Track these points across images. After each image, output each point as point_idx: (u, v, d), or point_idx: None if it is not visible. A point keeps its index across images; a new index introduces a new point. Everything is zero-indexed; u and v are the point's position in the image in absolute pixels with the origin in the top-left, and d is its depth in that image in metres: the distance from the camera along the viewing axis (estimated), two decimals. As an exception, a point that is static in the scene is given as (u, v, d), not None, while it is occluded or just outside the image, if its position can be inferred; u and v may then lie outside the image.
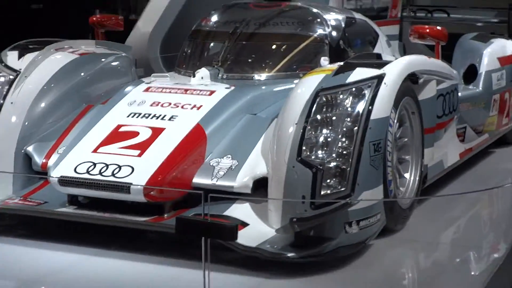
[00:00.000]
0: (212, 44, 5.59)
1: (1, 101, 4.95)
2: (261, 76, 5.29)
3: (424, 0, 13.34)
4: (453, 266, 4.73)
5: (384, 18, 7.07)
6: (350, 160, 4.31)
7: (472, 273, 4.59)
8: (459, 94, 5.91)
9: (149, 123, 4.73)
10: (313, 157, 4.32)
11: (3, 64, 5.15)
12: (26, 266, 4.30)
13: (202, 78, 5.21)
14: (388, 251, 4.57)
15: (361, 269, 4.30)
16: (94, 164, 4.49)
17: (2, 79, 5.06)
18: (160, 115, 4.77)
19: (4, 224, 4.81)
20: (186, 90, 5.01)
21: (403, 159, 5.01)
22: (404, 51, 7.21)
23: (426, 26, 6.16)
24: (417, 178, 5.10)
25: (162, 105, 4.86)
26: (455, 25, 8.08)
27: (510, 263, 4.51)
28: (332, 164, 4.30)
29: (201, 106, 4.83)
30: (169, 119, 4.74)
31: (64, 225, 4.66)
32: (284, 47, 5.47)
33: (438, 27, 6.13)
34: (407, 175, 5.05)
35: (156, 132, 4.65)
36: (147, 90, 5.06)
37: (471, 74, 6.77)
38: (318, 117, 4.40)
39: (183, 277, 4.10)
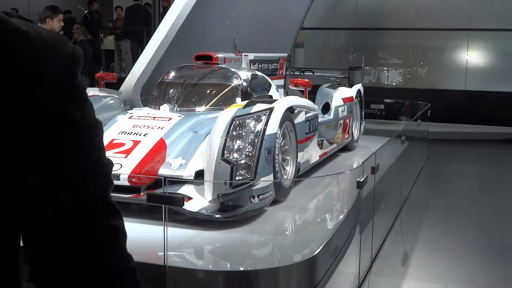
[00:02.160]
0: (171, 90, 5.55)
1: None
2: (200, 109, 5.27)
3: (299, 63, 13.52)
4: (316, 222, 4.79)
5: (275, 75, 7.10)
6: (253, 159, 4.34)
7: (328, 227, 4.63)
8: (319, 120, 5.97)
9: (131, 137, 4.68)
10: (231, 157, 4.33)
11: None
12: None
13: (164, 110, 5.18)
14: (277, 213, 4.58)
15: (261, 224, 4.32)
16: None
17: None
18: (138, 133, 4.73)
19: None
20: (154, 117, 4.98)
21: (285, 158, 5.03)
22: (286, 95, 7.26)
23: (299, 79, 6.22)
24: (294, 170, 5.14)
25: (139, 127, 4.82)
26: (317, 79, 8.13)
27: (348, 221, 4.58)
28: (242, 161, 4.33)
29: (163, 127, 4.79)
30: (144, 135, 4.70)
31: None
32: (214, 91, 5.46)
33: (306, 79, 6.20)
34: (288, 168, 5.08)
35: (136, 143, 4.61)
36: (130, 117, 5.01)
37: (326, 108, 6.84)
38: (234, 133, 4.42)
39: (150, 231, 4.05)
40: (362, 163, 4.07)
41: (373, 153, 4.33)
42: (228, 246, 3.94)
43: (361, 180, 3.87)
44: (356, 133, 7.51)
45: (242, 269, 3.64)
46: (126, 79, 7.90)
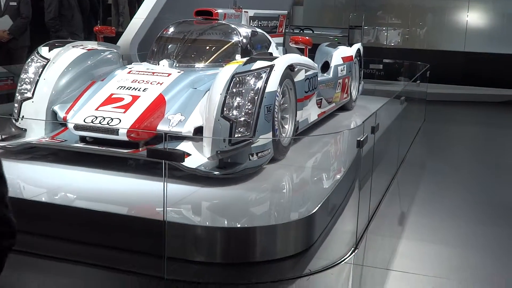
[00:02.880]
0: (170, 45, 5.49)
1: (38, 78, 4.84)
2: (199, 65, 5.22)
3: (298, 21, 13.39)
4: (313, 181, 4.80)
5: (274, 32, 7.04)
6: (253, 116, 4.33)
7: (324, 186, 4.65)
8: (318, 78, 5.94)
9: (130, 92, 4.65)
10: (230, 114, 4.32)
11: (39, 54, 5.02)
12: (52, 179, 4.24)
13: (163, 66, 5.14)
14: (275, 171, 4.59)
15: (259, 182, 4.32)
16: (96, 117, 4.42)
17: (39, 63, 4.93)
18: (137, 88, 4.70)
19: (39, 154, 4.72)
20: (153, 73, 4.94)
21: (284, 116, 5.02)
22: (285, 53, 7.20)
23: (300, 37, 6.16)
24: (293, 128, 5.14)
25: (138, 82, 4.79)
26: (316, 37, 8.04)
27: (346, 180, 4.59)
28: (242, 119, 4.31)
29: (163, 82, 4.76)
30: (143, 90, 4.67)
31: (77, 154, 4.58)
32: (214, 48, 5.41)
33: (306, 37, 6.14)
34: (286, 126, 5.08)
35: (135, 98, 4.58)
36: (129, 72, 4.97)
37: (325, 67, 6.80)
38: (234, 90, 4.39)
39: (149, 187, 4.07)
40: (363, 122, 4.05)
41: (373, 112, 4.31)
42: (226, 203, 3.95)
43: (361, 139, 3.86)
44: (354, 93, 7.48)
45: (239, 225, 3.65)
46: (124, 33, 7.84)
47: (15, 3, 7.89)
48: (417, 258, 3.87)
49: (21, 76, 4.91)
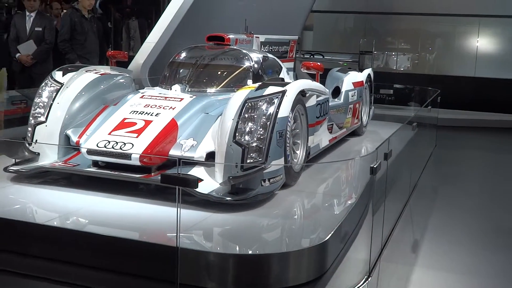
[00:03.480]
0: (182, 70, 5.50)
1: (51, 102, 4.86)
2: (211, 90, 5.23)
3: (308, 46, 13.45)
4: (324, 207, 4.77)
5: (285, 57, 7.05)
6: (265, 142, 4.31)
7: (336, 212, 4.61)
8: (329, 104, 5.93)
9: (143, 117, 4.65)
10: (242, 140, 4.30)
11: (53, 78, 5.05)
12: (64, 204, 4.22)
13: (176, 90, 5.14)
14: (286, 197, 4.55)
15: (271, 208, 4.29)
16: (109, 142, 4.42)
17: (52, 88, 4.95)
18: (150, 112, 4.70)
19: (52, 178, 4.71)
20: (166, 97, 4.94)
21: (296, 142, 5.00)
22: (296, 78, 7.21)
23: (311, 62, 6.16)
24: (304, 154, 5.11)
25: (151, 106, 4.79)
26: (327, 62, 8.06)
27: (358, 207, 4.56)
28: (254, 144, 4.29)
29: (175, 107, 4.76)
30: (155, 115, 4.67)
31: (89, 179, 4.57)
32: (225, 73, 5.41)
33: (318, 63, 6.14)
34: (298, 152, 5.05)
35: (147, 123, 4.58)
36: (142, 97, 4.98)
37: (336, 92, 6.79)
38: (246, 115, 4.38)
39: (160, 212, 4.05)
40: (376, 149, 4.03)
41: (386, 139, 4.29)
42: (238, 229, 3.92)
43: (374, 166, 3.84)
44: (365, 118, 7.46)
45: (251, 252, 3.62)
46: (135, 58, 7.90)
47: (40, 29, 8.00)
48: (431, 286, 3.83)
49: (35, 100, 4.92)
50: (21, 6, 11.59)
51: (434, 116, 8.85)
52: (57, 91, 4.93)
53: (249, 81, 5.32)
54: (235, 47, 5.82)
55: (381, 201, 4.47)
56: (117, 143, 4.39)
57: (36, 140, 4.76)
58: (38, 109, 4.87)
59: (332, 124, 6.15)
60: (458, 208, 5.66)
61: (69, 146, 4.76)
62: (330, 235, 3.74)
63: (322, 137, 5.74)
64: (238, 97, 4.53)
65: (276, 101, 4.46)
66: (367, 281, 3.73)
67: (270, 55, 6.09)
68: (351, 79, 7.00)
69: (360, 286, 3.67)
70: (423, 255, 4.29)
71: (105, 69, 5.48)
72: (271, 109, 4.42)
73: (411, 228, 5.01)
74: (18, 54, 7.77)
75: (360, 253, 4.13)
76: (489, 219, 5.32)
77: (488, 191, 6.55)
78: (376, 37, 12.50)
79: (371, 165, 3.87)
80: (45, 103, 4.87)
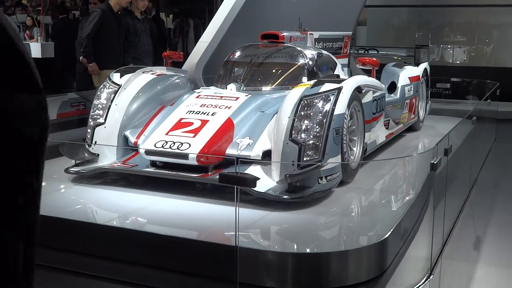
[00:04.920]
0: (236, 69, 5.50)
1: (110, 103, 4.92)
2: (267, 89, 5.22)
3: (362, 41, 13.29)
4: (381, 204, 4.70)
5: (339, 54, 6.98)
6: (321, 139, 4.27)
7: (393, 209, 4.54)
8: (386, 99, 5.85)
9: (199, 117, 4.68)
10: (299, 137, 4.27)
11: (111, 80, 5.12)
12: (124, 203, 4.27)
13: (231, 90, 5.15)
14: (344, 195, 4.50)
15: (328, 206, 4.24)
16: (167, 142, 4.45)
17: (110, 89, 5.02)
18: (206, 112, 4.72)
19: (111, 178, 4.77)
20: (221, 97, 4.95)
21: (352, 139, 4.94)
22: (351, 74, 7.13)
23: (367, 58, 6.09)
24: (361, 151, 5.05)
25: (207, 106, 4.81)
26: (382, 57, 7.92)
27: (417, 204, 4.47)
28: (310, 142, 4.26)
29: (231, 106, 4.77)
30: (211, 115, 4.69)
31: (148, 179, 4.61)
32: (280, 71, 5.39)
33: (374, 58, 6.06)
34: (355, 149, 4.99)
35: (204, 122, 4.60)
36: (198, 97, 5.00)
37: (392, 87, 6.70)
38: (302, 113, 4.35)
39: (217, 211, 4.06)
40: (436, 144, 3.94)
41: (446, 134, 4.19)
42: (296, 227, 3.89)
43: (435, 162, 3.74)
44: (422, 113, 7.34)
45: (309, 251, 3.58)
46: (189, 57, 7.94)
47: None
48: (495, 283, 3.72)
49: (94, 102, 5.00)
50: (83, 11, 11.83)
51: (494, 109, 8.62)
52: (115, 92, 4.99)
53: (304, 79, 5.29)
54: (289, 45, 5.80)
55: (441, 197, 4.36)
56: (174, 143, 4.42)
57: (96, 142, 4.83)
58: (97, 110, 4.94)
59: (389, 120, 6.06)
60: (521, 204, 5.49)
61: (127, 147, 4.81)
62: (389, 232, 3.66)
63: (378, 133, 5.66)
64: (293, 94, 4.50)
65: (332, 98, 4.42)
66: (429, 279, 3.65)
67: (324, 52, 6.03)
68: (407, 74, 6.89)
69: (422, 284, 3.58)
70: (485, 252, 4.17)
71: (161, 70, 5.53)
72: (327, 106, 4.37)
73: (473, 224, 4.89)
74: (81, 57, 7.85)
75: (420, 250, 4.03)
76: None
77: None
78: (432, 31, 12.26)
79: (432, 161, 3.78)
80: (103, 105, 4.94)
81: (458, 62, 13.47)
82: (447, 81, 10.18)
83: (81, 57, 7.76)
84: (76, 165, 4.77)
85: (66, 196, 4.44)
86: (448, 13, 13.86)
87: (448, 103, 9.46)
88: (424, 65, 7.51)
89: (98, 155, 4.80)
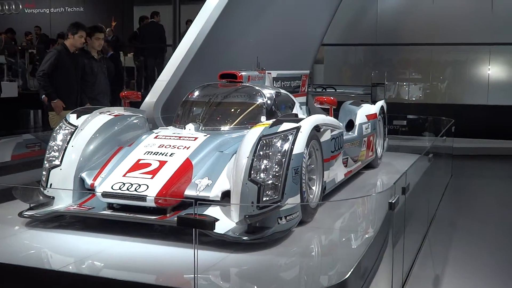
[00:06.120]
0: (195, 109, 5.50)
1: (66, 145, 4.85)
2: (225, 128, 5.22)
3: (319, 79, 13.46)
4: (341, 242, 4.70)
5: (297, 92, 7.03)
6: (280, 179, 4.27)
7: (353, 247, 4.53)
8: (344, 137, 5.89)
9: (157, 158, 4.63)
10: (258, 177, 4.26)
11: (67, 121, 5.06)
12: (80, 248, 4.17)
13: (189, 130, 5.13)
14: (303, 234, 4.48)
15: (288, 246, 4.22)
16: (124, 184, 4.39)
17: (67, 131, 4.96)
18: (164, 153, 4.68)
19: (67, 221, 4.68)
20: (180, 137, 4.93)
21: (311, 178, 4.95)
22: (309, 112, 7.19)
23: (324, 97, 6.14)
24: (320, 190, 5.05)
25: (165, 147, 4.77)
26: (340, 95, 8.03)
27: (376, 242, 4.48)
28: (270, 182, 4.25)
29: (189, 146, 4.74)
30: (170, 155, 4.65)
31: (104, 222, 4.53)
32: (238, 110, 5.40)
33: (331, 97, 6.12)
34: (314, 188, 5.00)
35: (162, 163, 4.56)
36: (156, 137, 4.97)
37: (350, 126, 6.76)
38: (261, 153, 4.35)
39: (177, 254, 4.00)
40: (394, 183, 3.97)
41: (404, 172, 4.23)
42: (256, 268, 3.86)
43: (393, 201, 3.77)
44: (379, 150, 7.41)
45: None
46: (147, 97, 7.88)
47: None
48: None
49: (50, 143, 4.92)
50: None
51: (450, 145, 8.78)
52: (72, 134, 4.93)
53: (263, 118, 5.30)
54: (247, 84, 5.83)
55: (400, 234, 4.38)
56: (132, 185, 4.36)
57: (51, 184, 4.74)
58: (52, 152, 4.86)
59: (347, 158, 6.10)
60: (477, 240, 5.56)
61: (83, 191, 4.73)
62: (350, 272, 3.65)
63: (337, 172, 5.68)
64: (252, 134, 4.51)
65: (290, 137, 4.43)
66: (390, 319, 3.63)
67: (282, 91, 6.08)
68: (364, 112, 6.98)
69: (383, 325, 3.57)
70: (445, 290, 4.19)
71: (118, 110, 5.48)
72: (286, 146, 4.38)
73: (431, 262, 4.92)
74: (43, 96, 7.73)
75: (381, 290, 4.03)
76: (510, 250, 5.21)
77: (507, 221, 6.44)
78: (387, 68, 12.50)
79: (390, 200, 3.80)
80: (59, 146, 4.87)
81: (414, 98, 13.73)
82: (404, 118, 10.35)
83: (43, 96, 7.67)
84: (31, 208, 4.66)
85: (19, 241, 4.32)
86: (403, 51, 14.17)
87: (405, 140, 9.60)
88: (380, 102, 7.61)
89: (53, 198, 4.70)
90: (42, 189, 4.75)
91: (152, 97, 7.75)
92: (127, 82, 13.34)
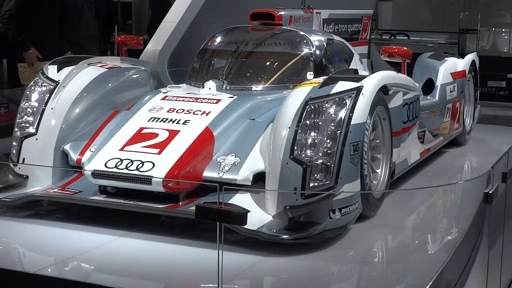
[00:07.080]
0: (217, 61, 5.54)
1: (43, 107, 4.91)
2: (258, 88, 5.25)
3: (386, 23, 13.38)
4: (414, 246, 4.73)
5: (356, 40, 7.03)
6: (334, 158, 4.29)
7: (429, 252, 4.56)
8: (420, 103, 5.89)
9: (166, 126, 4.69)
10: (303, 155, 4.29)
11: (45, 76, 5.12)
12: (62, 245, 4.25)
13: (209, 89, 5.17)
14: (364, 234, 4.52)
15: (342, 249, 4.25)
16: (121, 160, 4.45)
17: (44, 88, 5.02)
18: (175, 120, 4.74)
19: (45, 209, 4.76)
20: (196, 98, 4.98)
21: (375, 157, 4.97)
22: (372, 68, 7.18)
23: (395, 47, 6.13)
24: (387, 173, 5.07)
25: (177, 111, 4.83)
26: (414, 46, 8.00)
27: (465, 246, 4.50)
28: (319, 161, 4.28)
29: (209, 112, 4.79)
30: (183, 123, 4.71)
31: (95, 211, 4.60)
32: (276, 63, 5.43)
33: (405, 48, 6.10)
34: (378, 171, 5.02)
35: (173, 134, 4.61)
36: (164, 98, 5.02)
37: (428, 87, 6.74)
38: (307, 122, 4.37)
39: (193, 256, 4.05)
40: (492, 167, 3.97)
41: (505, 152, 4.23)
42: (298, 278, 3.90)
43: (490, 192, 3.77)
44: (468, 121, 7.42)
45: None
46: (149, 43, 7.93)
47: None
48: None
49: (21, 104, 4.99)
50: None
51: None
52: (51, 92, 4.99)
53: (310, 74, 5.33)
54: (289, 28, 5.84)
55: (498, 236, 4.39)
56: (132, 162, 4.42)
57: (24, 159, 4.82)
58: (25, 116, 4.93)
59: (424, 131, 6.10)
60: None
61: (67, 169, 4.81)
62: (428, 286, 3.69)
63: (411, 149, 5.70)
64: (295, 96, 4.53)
65: (348, 102, 4.45)
66: None
67: (336, 37, 6.08)
68: (448, 69, 6.95)
69: None
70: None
71: (113, 61, 5.53)
72: (342, 113, 4.40)
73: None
74: None
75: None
76: None
77: None
78: (481, 9, 12.37)
79: (485, 190, 3.80)
80: (34, 109, 4.94)
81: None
82: (503, 78, 10.28)
83: None
84: (-3, 191, 4.77)
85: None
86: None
87: (504, 108, 9.55)
88: (471, 56, 7.57)
89: (27, 177, 4.79)
90: (12, 165, 4.84)
91: (156, 44, 7.81)
92: (122, 23, 13.39)
